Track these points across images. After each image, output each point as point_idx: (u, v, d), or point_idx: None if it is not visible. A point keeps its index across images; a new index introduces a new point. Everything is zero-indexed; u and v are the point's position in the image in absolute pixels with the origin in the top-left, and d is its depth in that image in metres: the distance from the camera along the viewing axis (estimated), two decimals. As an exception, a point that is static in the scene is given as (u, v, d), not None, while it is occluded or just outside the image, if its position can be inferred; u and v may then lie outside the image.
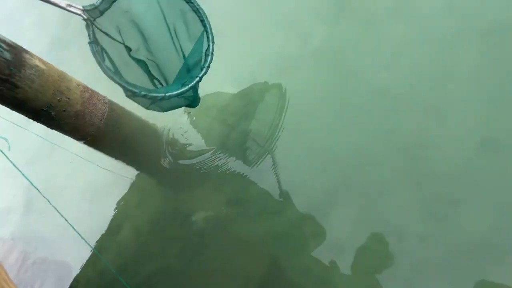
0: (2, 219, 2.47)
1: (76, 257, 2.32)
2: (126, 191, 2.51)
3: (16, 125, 2.53)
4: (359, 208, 2.12)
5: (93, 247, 2.41)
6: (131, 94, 1.52)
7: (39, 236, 2.28)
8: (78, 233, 1.97)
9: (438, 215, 2.01)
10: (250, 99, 2.56)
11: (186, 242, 2.25)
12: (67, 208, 2.56)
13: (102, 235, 2.41)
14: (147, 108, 1.67)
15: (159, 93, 1.58)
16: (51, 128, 1.95)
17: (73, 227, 1.85)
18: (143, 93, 1.52)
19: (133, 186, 2.53)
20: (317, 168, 2.26)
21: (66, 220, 1.81)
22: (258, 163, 2.38)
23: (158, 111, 1.76)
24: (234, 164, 2.42)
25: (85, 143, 2.13)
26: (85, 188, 2.62)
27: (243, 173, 2.38)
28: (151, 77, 1.77)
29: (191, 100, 1.83)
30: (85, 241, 2.14)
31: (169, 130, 2.55)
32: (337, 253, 2.07)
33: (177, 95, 1.61)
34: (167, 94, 1.58)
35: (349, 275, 2.01)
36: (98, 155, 2.27)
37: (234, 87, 2.62)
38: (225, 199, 2.33)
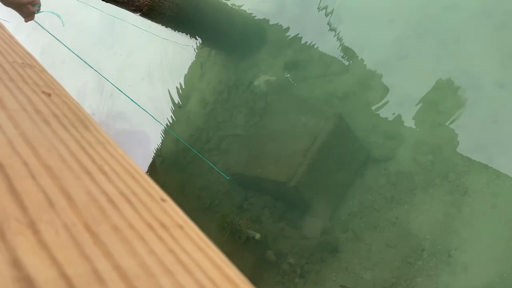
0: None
1: (153, 128, 2.56)
2: (189, 64, 2.60)
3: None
4: (431, 59, 2.04)
5: (166, 120, 2.61)
6: None
7: (117, 110, 2.51)
8: (149, 114, 2.12)
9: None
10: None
11: (250, 107, 2.35)
12: (136, 85, 2.74)
13: (173, 107, 2.59)
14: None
15: None
16: (106, 1, 1.99)
17: (142, 108, 1.99)
18: None
19: (195, 59, 2.60)
20: (383, 19, 2.15)
21: (134, 102, 1.94)
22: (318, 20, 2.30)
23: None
24: (293, 24, 2.36)
25: (141, 15, 2.16)
26: (149, 63, 2.75)
27: (303, 33, 2.34)
28: None
29: None
30: (155, 119, 2.32)
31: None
32: (407, 107, 2.07)
33: None
34: None
35: (419, 128, 2.03)
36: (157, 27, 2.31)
37: None
38: (286, 62, 2.34)
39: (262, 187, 2.15)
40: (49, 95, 0.44)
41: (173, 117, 2.61)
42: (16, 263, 0.20)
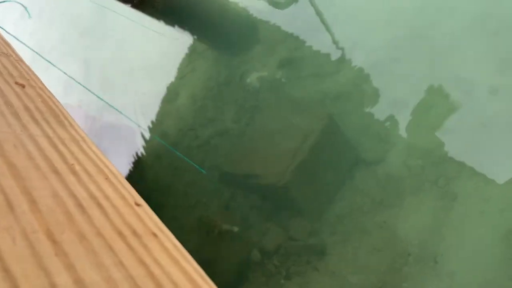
0: (68, 89, 2.66)
1: (140, 122, 2.52)
2: (180, 58, 2.57)
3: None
4: (425, 62, 2.04)
5: (154, 115, 2.58)
6: None
7: (105, 104, 2.47)
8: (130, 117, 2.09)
9: (516, 65, 1.90)
10: None
11: (241, 104, 2.33)
12: (124, 77, 2.70)
13: (162, 102, 2.56)
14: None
15: None
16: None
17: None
18: None
19: (186, 53, 2.57)
20: (379, 21, 2.14)
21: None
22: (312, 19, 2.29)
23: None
24: (287, 22, 2.34)
25: (132, 6, 2.13)
26: (138, 56, 2.71)
27: (297, 32, 2.32)
28: None
29: None
30: (132, 124, 2.29)
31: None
32: (399, 110, 2.07)
33: None
34: None
35: (410, 132, 2.03)
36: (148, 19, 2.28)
37: None
38: (278, 60, 2.32)
39: (251, 186, 2.13)
40: (23, 86, 0.42)
41: (162, 112, 2.58)
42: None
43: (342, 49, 2.21)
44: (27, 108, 0.37)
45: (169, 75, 2.57)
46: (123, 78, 2.57)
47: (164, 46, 2.57)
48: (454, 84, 1.98)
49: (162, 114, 2.56)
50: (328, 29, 2.29)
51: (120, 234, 0.25)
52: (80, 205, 0.26)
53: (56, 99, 0.43)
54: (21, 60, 0.50)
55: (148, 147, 2.55)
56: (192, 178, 2.33)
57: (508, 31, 1.95)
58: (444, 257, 1.79)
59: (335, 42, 2.24)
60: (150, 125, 2.53)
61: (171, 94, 2.57)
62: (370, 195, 2.02)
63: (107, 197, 0.29)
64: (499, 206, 1.82)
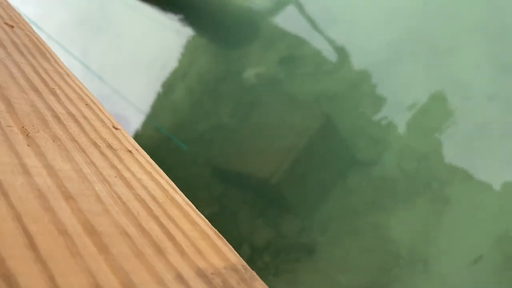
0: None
1: (135, 113, 2.52)
2: (178, 50, 2.58)
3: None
4: (424, 65, 2.06)
5: (149, 107, 2.58)
6: None
7: (104, 93, 2.48)
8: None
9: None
10: None
11: (238, 100, 2.34)
12: (121, 68, 2.71)
13: (157, 94, 2.56)
14: None
15: None
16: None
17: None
18: None
19: (184, 45, 2.59)
20: (378, 21, 2.16)
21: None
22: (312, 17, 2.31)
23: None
24: (287, 19, 2.37)
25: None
26: (136, 47, 2.72)
27: (297, 29, 2.34)
28: None
29: None
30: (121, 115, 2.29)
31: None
32: (395, 113, 2.08)
33: None
34: None
35: (406, 134, 2.05)
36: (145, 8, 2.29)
37: None
38: (277, 56, 2.34)
39: (243, 182, 2.14)
40: (11, 27, 0.43)
41: (158, 104, 2.59)
42: None
43: (341, 49, 2.23)
44: (13, 43, 0.37)
45: (167, 68, 2.58)
46: (119, 69, 2.58)
47: (163, 39, 2.59)
48: (452, 88, 2.00)
49: (157, 107, 2.57)
50: (327, 28, 2.31)
51: (94, 144, 0.26)
52: (56, 117, 0.27)
53: (45, 43, 0.44)
54: (11, 6, 0.50)
55: (141, 139, 2.56)
56: (184, 172, 2.33)
57: (508, 37, 1.97)
58: (435, 260, 1.80)
59: (334, 42, 2.25)
60: (145, 117, 2.54)
61: (167, 87, 2.58)
62: (363, 196, 2.03)
63: (84, 117, 0.29)
64: (492, 212, 1.83)
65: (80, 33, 2.80)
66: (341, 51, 2.24)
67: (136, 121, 2.50)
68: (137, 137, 2.51)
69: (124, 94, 2.33)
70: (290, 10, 2.42)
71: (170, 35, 2.56)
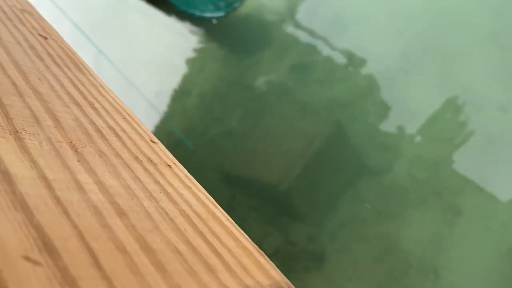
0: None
1: (147, 118, 2.55)
2: (190, 56, 2.60)
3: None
4: (436, 75, 2.06)
5: (161, 112, 2.60)
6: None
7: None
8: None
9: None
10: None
11: (248, 106, 2.35)
12: (133, 72, 2.74)
13: (169, 99, 2.58)
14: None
15: None
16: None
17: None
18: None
19: (196, 50, 2.61)
20: (390, 30, 2.17)
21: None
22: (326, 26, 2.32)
23: None
24: (299, 26, 2.38)
25: (147, 1, 2.17)
26: (148, 52, 2.75)
27: (309, 37, 2.35)
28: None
29: None
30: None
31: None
32: (406, 121, 2.08)
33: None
34: None
35: (417, 143, 2.05)
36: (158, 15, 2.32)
37: None
38: (289, 63, 2.35)
39: (252, 187, 2.14)
40: (45, 38, 0.44)
41: (169, 109, 2.60)
42: (-6, 158, 0.20)
43: (353, 57, 2.24)
44: (49, 54, 0.38)
45: (178, 73, 2.60)
46: (132, 73, 2.60)
47: (174, 43, 2.61)
48: (464, 97, 1.99)
49: (168, 112, 2.58)
50: (339, 36, 2.32)
51: (136, 158, 0.27)
52: (99, 131, 0.28)
53: (77, 53, 0.45)
54: (43, 19, 0.52)
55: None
56: (194, 177, 2.34)
57: (521, 48, 1.96)
58: (445, 270, 1.79)
59: (346, 49, 2.26)
60: (157, 122, 2.55)
61: (179, 92, 2.60)
62: (373, 204, 2.03)
63: (124, 131, 0.30)
64: (503, 223, 1.81)
65: (92, 38, 2.83)
66: (353, 59, 2.24)
67: (147, 124, 2.52)
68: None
69: (135, 99, 2.34)
70: (302, 18, 2.44)
71: (181, 41, 2.58)
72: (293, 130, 2.19)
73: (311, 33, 2.39)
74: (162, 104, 2.56)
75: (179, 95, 2.58)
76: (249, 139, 2.28)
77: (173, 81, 2.60)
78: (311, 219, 2.05)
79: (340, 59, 2.28)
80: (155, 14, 2.44)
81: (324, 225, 2.04)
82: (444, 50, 2.06)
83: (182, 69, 2.60)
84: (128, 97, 2.58)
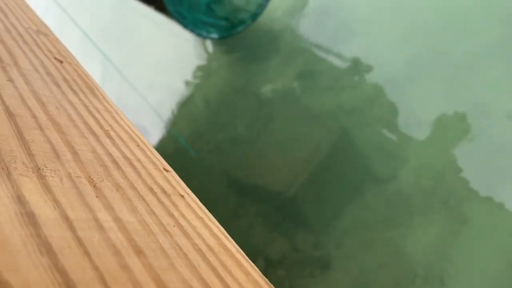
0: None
1: (153, 123, 2.57)
2: (197, 62, 2.62)
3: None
4: (443, 82, 2.06)
5: (167, 117, 2.62)
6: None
7: (122, 102, 2.53)
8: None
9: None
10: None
11: (255, 113, 2.37)
12: (140, 78, 2.76)
13: (176, 104, 2.60)
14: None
15: None
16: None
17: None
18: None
19: (203, 57, 2.62)
20: (398, 37, 2.17)
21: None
22: (334, 34, 2.33)
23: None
24: (307, 34, 2.39)
25: (155, 8, 2.19)
26: (157, 57, 2.77)
27: (316, 44, 2.36)
28: None
29: None
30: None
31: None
32: (413, 129, 2.08)
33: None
34: None
35: (423, 151, 2.04)
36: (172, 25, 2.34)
37: None
38: (295, 71, 2.36)
39: (259, 194, 2.15)
40: (61, 62, 0.45)
41: (175, 114, 2.62)
42: (20, 199, 0.21)
43: (360, 64, 2.24)
44: (65, 80, 0.40)
45: (185, 78, 2.62)
46: (139, 79, 2.63)
47: (182, 49, 2.63)
48: (471, 105, 1.99)
49: (175, 116, 2.60)
50: (346, 43, 2.33)
51: (151, 190, 0.28)
52: (115, 162, 0.29)
53: (90, 76, 0.46)
54: (58, 40, 0.53)
55: (159, 150, 2.59)
56: (200, 183, 2.35)
57: (528, 57, 1.96)
58: (451, 279, 1.78)
59: (353, 56, 2.27)
60: (163, 127, 2.57)
61: (186, 97, 2.62)
62: (379, 211, 2.03)
63: (138, 160, 0.31)
64: (510, 232, 1.81)
65: (100, 44, 2.86)
66: (360, 66, 2.24)
67: (154, 131, 2.54)
68: (157, 147, 2.54)
69: (142, 105, 2.37)
70: (310, 24, 2.45)
71: (188, 47, 2.60)
72: (299, 137, 2.20)
73: (318, 40, 2.40)
74: (167, 110, 2.58)
75: (186, 100, 2.60)
76: (255, 146, 2.29)
77: (180, 86, 2.62)
78: (317, 225, 2.06)
79: (347, 66, 2.29)
80: (162, 21, 2.47)
81: (330, 232, 2.04)
82: (452, 58, 2.06)
83: (188, 75, 2.61)
84: (133, 103, 2.61)
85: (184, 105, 2.59)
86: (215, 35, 2.22)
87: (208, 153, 2.43)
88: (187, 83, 2.61)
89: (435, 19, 2.16)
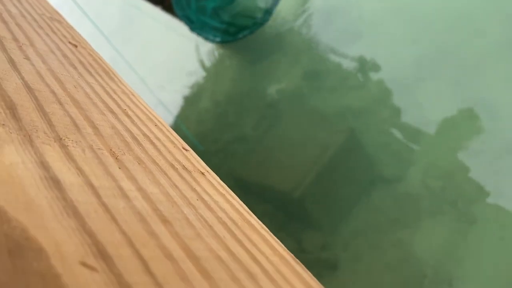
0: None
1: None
2: (203, 62, 2.62)
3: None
4: (451, 83, 2.04)
5: (175, 117, 2.62)
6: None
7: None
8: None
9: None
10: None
11: (262, 113, 2.36)
12: (148, 78, 2.77)
13: (183, 104, 2.60)
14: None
15: None
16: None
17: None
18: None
19: (210, 58, 2.62)
20: (405, 37, 2.16)
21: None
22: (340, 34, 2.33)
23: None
24: (314, 34, 2.38)
25: (162, 8, 2.19)
26: (163, 58, 2.77)
27: (323, 44, 2.35)
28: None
29: None
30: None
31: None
32: (421, 129, 2.06)
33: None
34: None
35: (431, 151, 2.03)
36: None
37: None
38: (302, 71, 2.35)
39: (265, 194, 2.14)
40: (75, 46, 0.45)
41: (183, 114, 2.62)
42: (44, 165, 0.20)
43: (367, 64, 2.23)
44: (81, 62, 0.39)
45: (193, 79, 2.62)
46: (146, 79, 2.63)
47: (189, 49, 2.63)
48: (480, 106, 1.97)
49: (182, 116, 2.60)
50: (353, 43, 2.32)
51: (172, 166, 0.27)
52: (135, 138, 0.28)
53: (105, 61, 0.45)
54: (72, 27, 0.52)
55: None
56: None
57: (538, 56, 1.94)
58: (459, 281, 1.76)
59: (360, 57, 2.26)
60: (171, 124, 2.58)
61: (193, 97, 2.62)
62: (387, 212, 2.01)
63: (158, 138, 0.31)
64: (520, 233, 1.78)
65: (109, 43, 2.87)
66: (367, 66, 2.24)
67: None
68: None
69: (150, 105, 2.37)
70: (316, 25, 2.44)
71: (195, 47, 2.61)
72: (306, 137, 2.19)
73: (325, 40, 2.39)
74: (176, 109, 2.58)
75: (193, 100, 2.60)
76: (262, 146, 2.29)
77: (187, 86, 2.62)
78: (325, 226, 2.04)
79: (354, 67, 2.28)
80: (172, 22, 2.47)
81: (337, 233, 2.03)
82: (459, 58, 2.04)
83: (197, 76, 2.62)
84: (147, 100, 2.61)
85: (192, 105, 2.59)
86: (219, 39, 2.25)
87: (215, 152, 2.42)
88: (194, 83, 2.61)
89: (442, 19, 2.15)
